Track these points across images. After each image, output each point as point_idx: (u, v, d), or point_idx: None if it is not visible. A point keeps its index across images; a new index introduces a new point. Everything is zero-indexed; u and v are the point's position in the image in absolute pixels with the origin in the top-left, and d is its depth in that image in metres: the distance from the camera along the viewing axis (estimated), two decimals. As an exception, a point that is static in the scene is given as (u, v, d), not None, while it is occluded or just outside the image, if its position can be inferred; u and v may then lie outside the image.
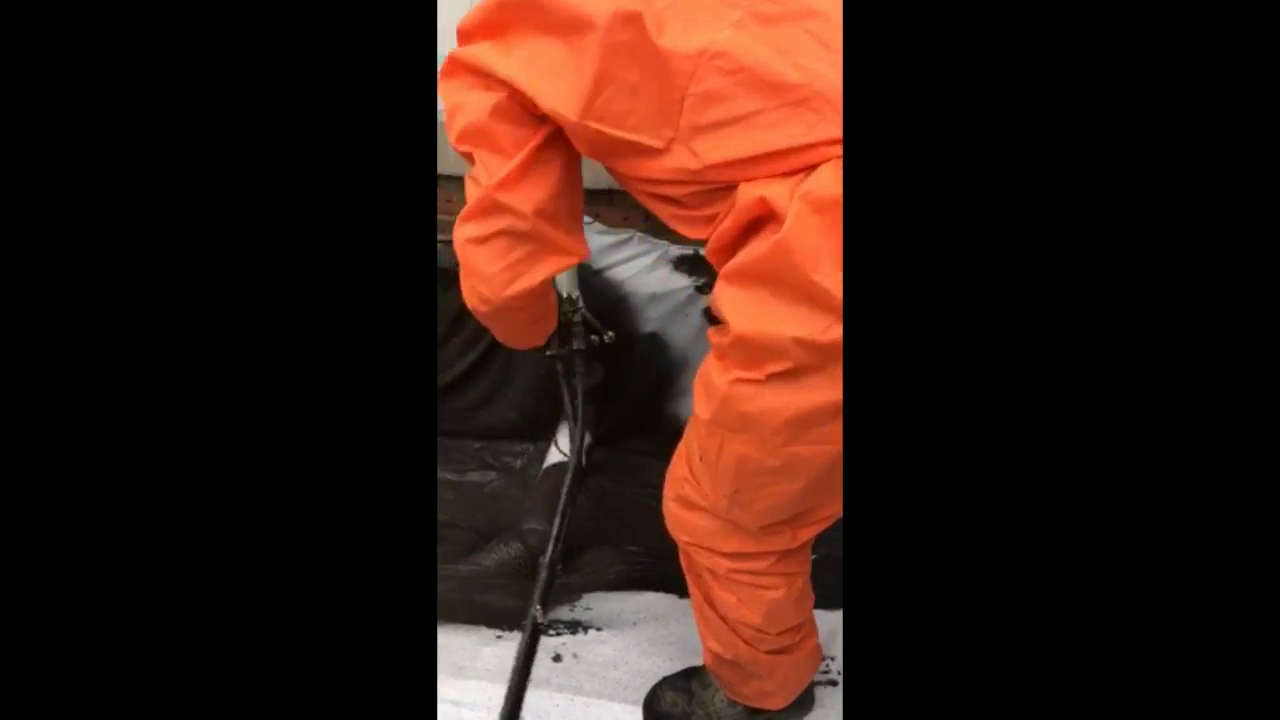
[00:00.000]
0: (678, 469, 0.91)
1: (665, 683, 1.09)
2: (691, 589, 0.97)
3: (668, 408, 1.76)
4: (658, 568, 1.42)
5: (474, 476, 1.86)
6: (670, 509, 0.93)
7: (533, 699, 1.08)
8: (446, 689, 1.09)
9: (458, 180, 1.57)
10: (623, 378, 1.71)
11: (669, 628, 1.21)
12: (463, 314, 1.70)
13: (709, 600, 0.94)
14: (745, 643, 0.93)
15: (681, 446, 0.91)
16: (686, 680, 1.08)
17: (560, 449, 1.59)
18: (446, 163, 1.52)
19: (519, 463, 1.88)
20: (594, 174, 1.48)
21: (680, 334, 1.63)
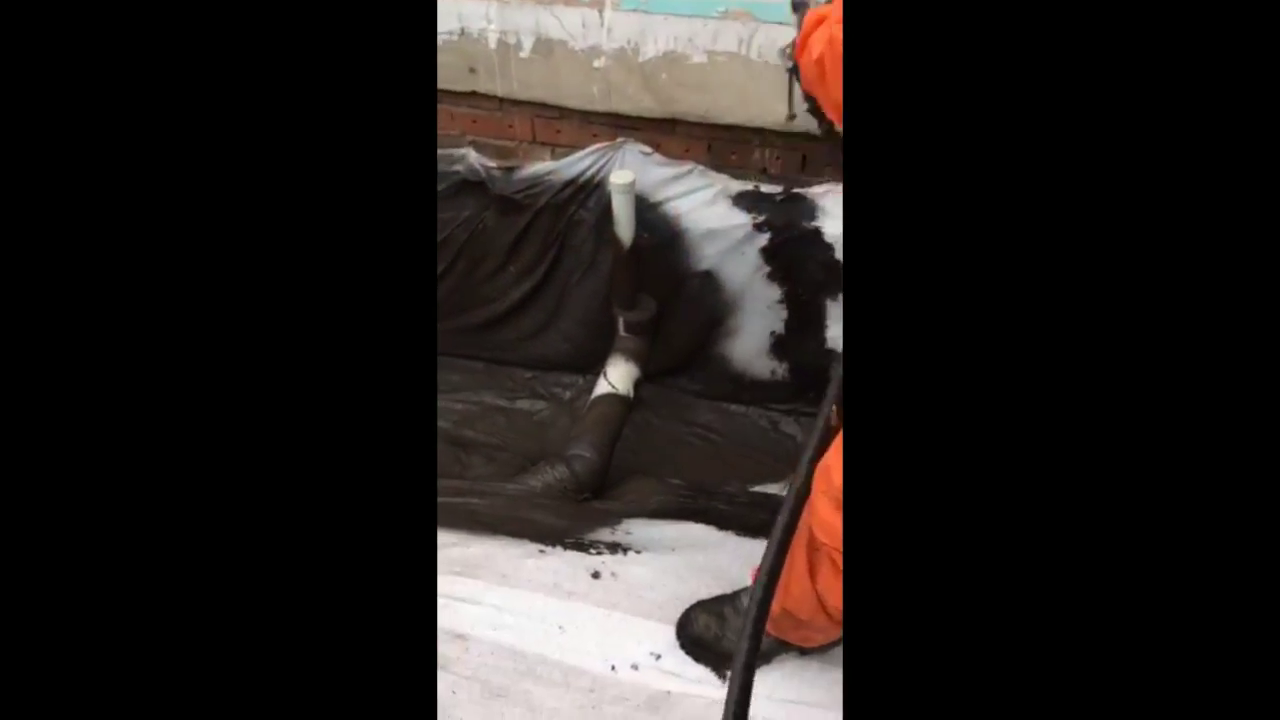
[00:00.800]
0: (839, 474, 0.82)
1: (699, 606, 1.11)
2: (797, 556, 0.92)
3: (717, 348, 1.76)
4: (697, 500, 1.44)
5: (523, 404, 1.90)
6: (822, 507, 0.85)
7: (571, 610, 1.13)
8: (491, 595, 1.14)
9: (522, 105, 1.56)
10: (674, 315, 1.71)
11: (706, 555, 1.23)
12: (519, 242, 1.72)
13: (812, 575, 0.90)
14: (827, 615, 0.93)
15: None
16: (720, 605, 1.10)
17: (609, 381, 1.61)
18: (509, 85, 1.52)
19: (568, 394, 1.91)
20: (655, 102, 1.45)
21: (735, 273, 1.61)
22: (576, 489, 1.43)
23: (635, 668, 1.06)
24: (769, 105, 1.39)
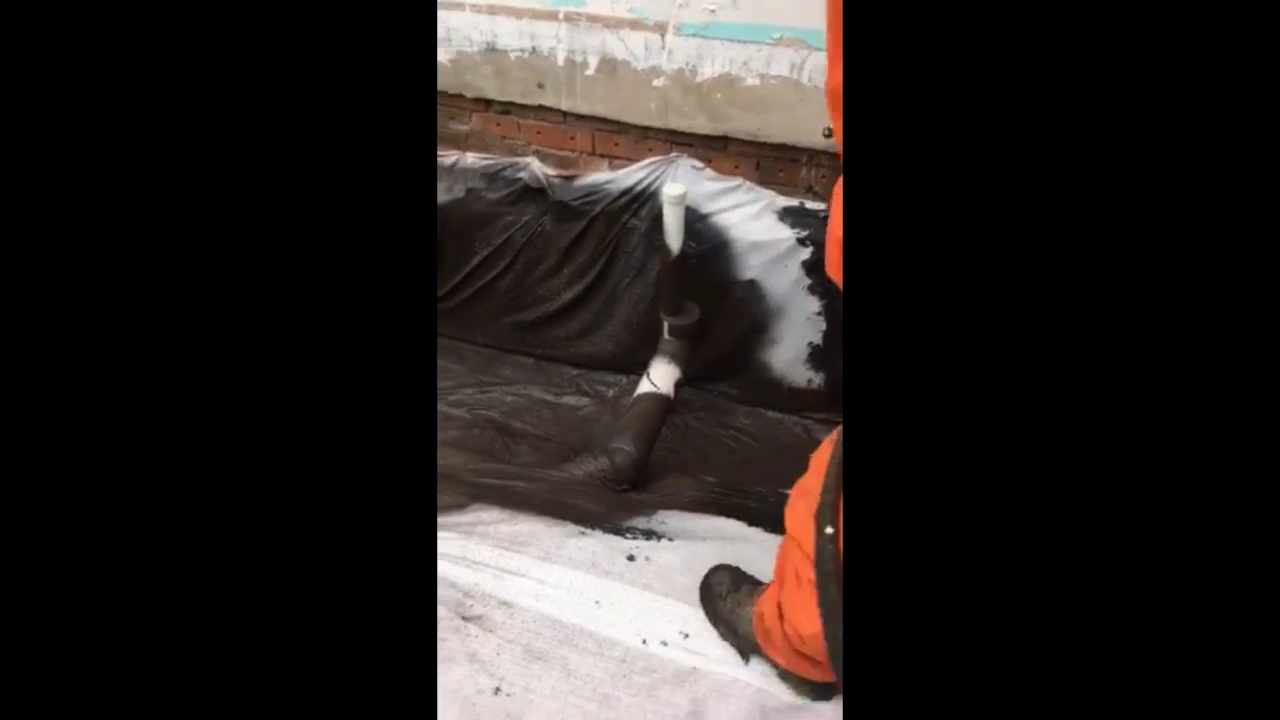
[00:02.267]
0: (812, 483, 0.87)
1: (728, 567, 1.20)
2: (783, 587, 0.97)
3: (757, 355, 1.83)
4: (730, 497, 1.52)
5: (569, 400, 2.00)
6: (794, 505, 0.92)
7: (607, 587, 1.21)
8: (535, 569, 1.24)
9: (585, 119, 1.67)
10: (717, 321, 1.79)
11: (734, 547, 1.30)
12: (574, 246, 1.83)
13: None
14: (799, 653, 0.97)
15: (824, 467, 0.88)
16: (743, 578, 1.17)
17: (652, 381, 1.70)
18: (574, 100, 1.63)
19: (612, 392, 2.00)
20: (709, 120, 1.54)
21: (778, 283, 1.68)
22: (616, 480, 1.52)
23: (665, 644, 1.15)
24: (817, 127, 1.47)
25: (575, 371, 2.05)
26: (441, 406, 1.96)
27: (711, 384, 1.94)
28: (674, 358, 1.74)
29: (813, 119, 1.46)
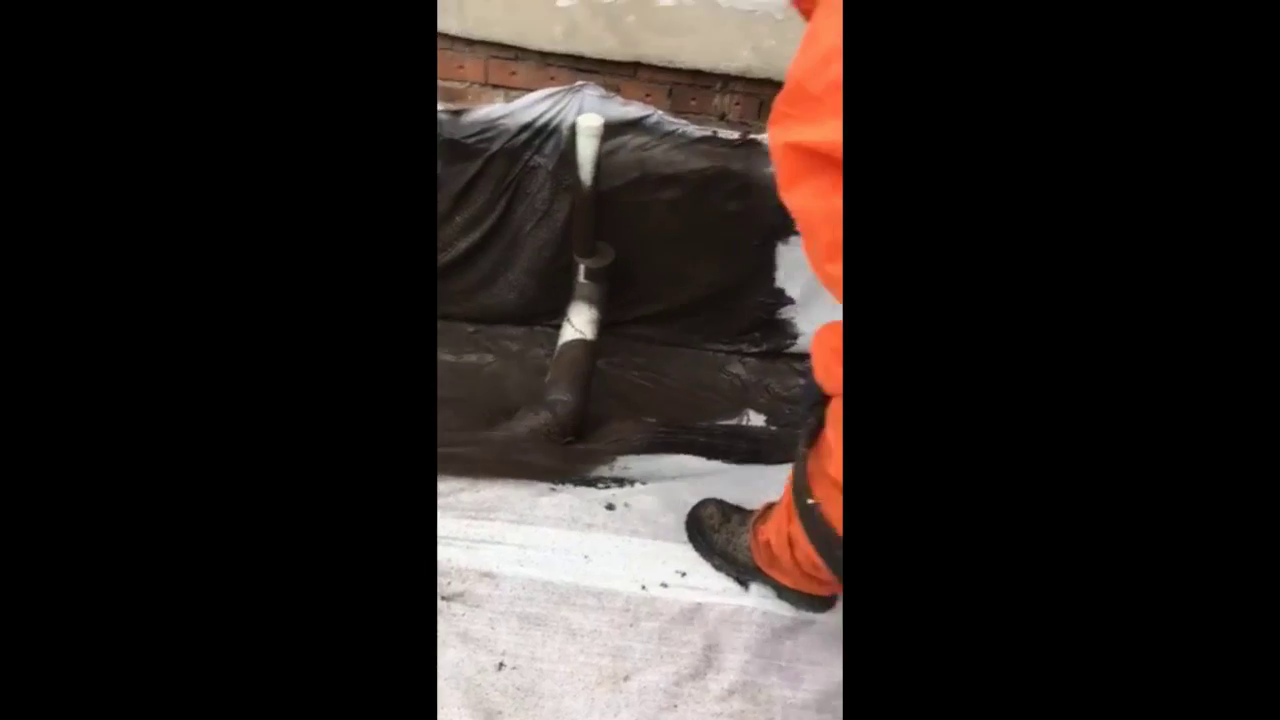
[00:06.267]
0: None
1: (714, 500, 1.19)
2: (791, 520, 0.96)
3: (674, 294, 1.81)
4: (678, 436, 1.50)
5: (470, 358, 1.86)
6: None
7: (593, 540, 1.15)
8: (511, 534, 1.14)
9: (475, 45, 1.49)
10: (630, 261, 1.74)
11: (706, 482, 1.29)
12: (468, 189, 1.67)
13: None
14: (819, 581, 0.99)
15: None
16: (732, 509, 1.17)
17: (575, 327, 1.62)
18: (465, 23, 1.46)
19: (516, 346, 1.89)
20: (619, 44, 1.46)
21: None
22: (560, 432, 1.44)
23: (664, 585, 1.12)
24: (733, 50, 1.44)
25: (472, 328, 1.90)
26: (327, 381, 1.73)
27: (624, 327, 1.89)
28: (592, 301, 1.67)
29: (729, 42, 1.43)
